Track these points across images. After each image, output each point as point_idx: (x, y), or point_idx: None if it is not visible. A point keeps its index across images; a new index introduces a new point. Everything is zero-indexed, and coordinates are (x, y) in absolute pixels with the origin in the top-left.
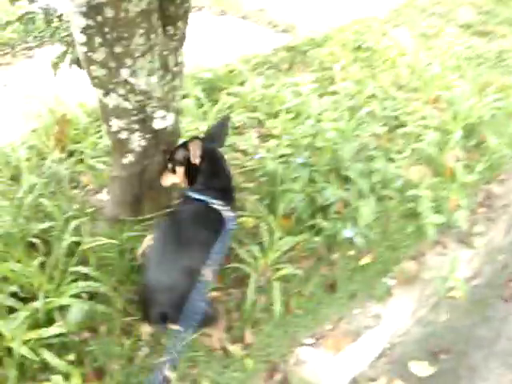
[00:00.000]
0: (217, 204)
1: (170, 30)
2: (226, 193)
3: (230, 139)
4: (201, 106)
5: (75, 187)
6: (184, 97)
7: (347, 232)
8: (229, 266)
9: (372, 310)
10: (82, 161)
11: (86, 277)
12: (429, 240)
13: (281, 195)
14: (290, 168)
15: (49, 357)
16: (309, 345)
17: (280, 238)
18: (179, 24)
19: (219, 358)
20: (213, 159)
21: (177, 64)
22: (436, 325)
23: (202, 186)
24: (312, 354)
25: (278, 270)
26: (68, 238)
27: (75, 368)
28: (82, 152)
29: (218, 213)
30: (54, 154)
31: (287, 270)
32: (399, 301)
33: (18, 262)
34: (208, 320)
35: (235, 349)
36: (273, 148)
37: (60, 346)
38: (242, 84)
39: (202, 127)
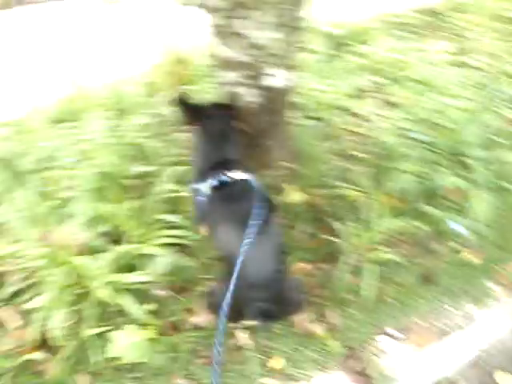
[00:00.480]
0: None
1: None
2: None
3: (347, 102)
4: (324, 62)
5: (179, 131)
6: (307, 51)
7: (455, 225)
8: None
9: (467, 311)
10: None
11: (174, 227)
12: None
13: (390, 171)
14: (405, 143)
15: (128, 302)
16: (392, 336)
17: (382, 218)
18: None
19: (297, 334)
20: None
21: (297, 19)
22: None
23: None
24: (394, 346)
25: (374, 251)
26: (162, 185)
27: (152, 318)
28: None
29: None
30: (167, 94)
31: (384, 253)
32: (499, 306)
33: (111, 202)
34: (298, 307)
35: (315, 328)
36: (390, 118)
37: (139, 295)
38: (370, 44)
39: (323, 85)
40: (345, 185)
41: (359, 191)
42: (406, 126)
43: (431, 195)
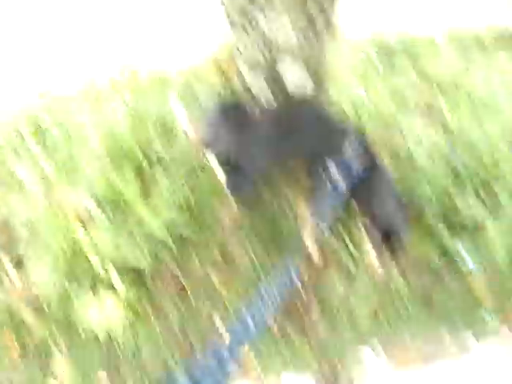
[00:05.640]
0: None
1: None
2: None
3: (392, 116)
4: (376, 72)
5: None
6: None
7: (469, 261)
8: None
9: (464, 343)
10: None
11: None
12: None
13: (414, 189)
14: (435, 161)
15: (116, 283)
16: (375, 353)
17: None
18: None
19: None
20: None
21: (327, 25)
22: None
23: None
24: (374, 364)
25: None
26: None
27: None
28: None
29: None
30: (210, 86)
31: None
32: (504, 345)
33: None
34: None
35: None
36: (432, 136)
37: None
38: (431, 58)
39: (359, 93)
40: None
41: None
42: (443, 144)
43: (452, 219)
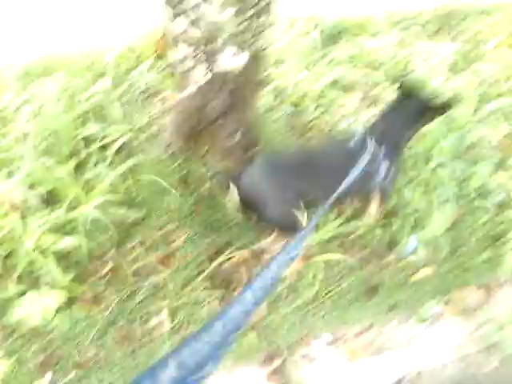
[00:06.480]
0: None
1: None
2: None
3: (332, 95)
4: (315, 51)
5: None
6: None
7: (409, 247)
8: None
9: (410, 329)
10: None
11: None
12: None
13: None
14: None
15: (52, 268)
16: (324, 342)
17: (336, 219)
18: None
19: None
20: None
21: (262, 1)
22: (481, 369)
23: None
24: (322, 354)
25: (324, 251)
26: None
27: (74, 286)
28: None
29: None
30: (148, 62)
31: (333, 255)
32: (447, 329)
33: (56, 163)
34: None
35: None
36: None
37: (65, 260)
38: (372, 36)
39: (301, 75)
40: None
41: None
42: None
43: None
